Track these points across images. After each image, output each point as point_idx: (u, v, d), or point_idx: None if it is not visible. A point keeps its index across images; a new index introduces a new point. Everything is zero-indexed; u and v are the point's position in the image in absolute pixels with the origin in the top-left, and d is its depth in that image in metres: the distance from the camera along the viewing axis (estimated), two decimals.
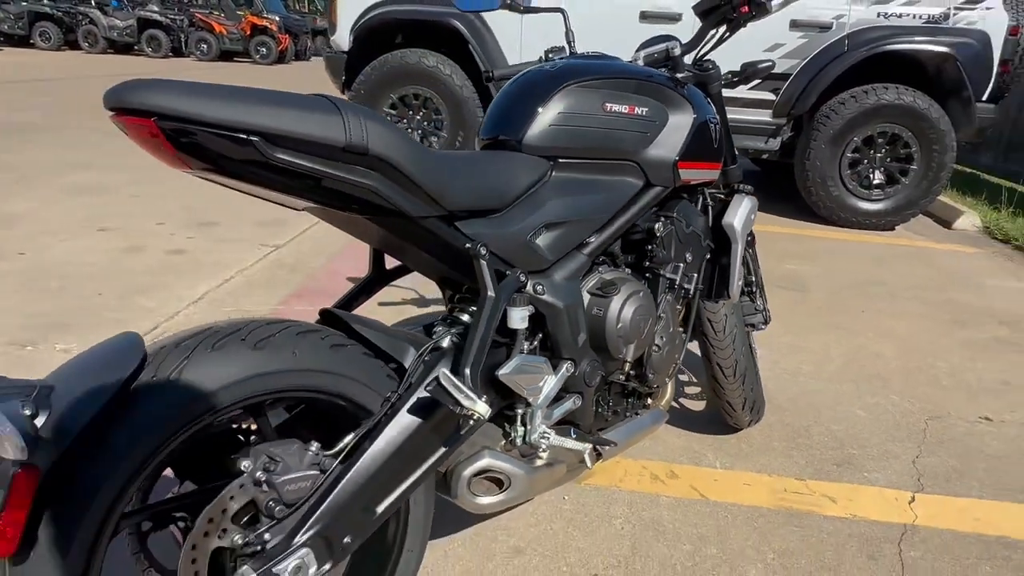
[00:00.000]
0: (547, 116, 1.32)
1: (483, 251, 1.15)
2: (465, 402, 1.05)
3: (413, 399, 1.11)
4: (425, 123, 4.63)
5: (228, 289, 2.86)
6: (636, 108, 1.40)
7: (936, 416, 2.23)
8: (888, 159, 4.38)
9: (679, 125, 1.47)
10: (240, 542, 1.00)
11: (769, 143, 4.53)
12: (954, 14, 4.16)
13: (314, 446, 1.06)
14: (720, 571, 1.52)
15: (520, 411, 1.29)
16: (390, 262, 1.43)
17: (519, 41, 4.49)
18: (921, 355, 2.68)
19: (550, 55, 1.69)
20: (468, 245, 1.15)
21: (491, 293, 1.16)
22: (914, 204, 4.39)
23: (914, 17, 4.19)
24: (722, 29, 1.63)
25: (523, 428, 1.28)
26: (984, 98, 4.27)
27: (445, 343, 1.20)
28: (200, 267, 3.07)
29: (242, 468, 1.01)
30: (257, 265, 3.15)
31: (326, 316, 1.21)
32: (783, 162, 4.72)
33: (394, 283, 1.47)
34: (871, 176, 4.40)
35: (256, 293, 2.84)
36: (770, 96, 4.42)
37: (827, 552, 1.59)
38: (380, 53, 4.53)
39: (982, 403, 2.34)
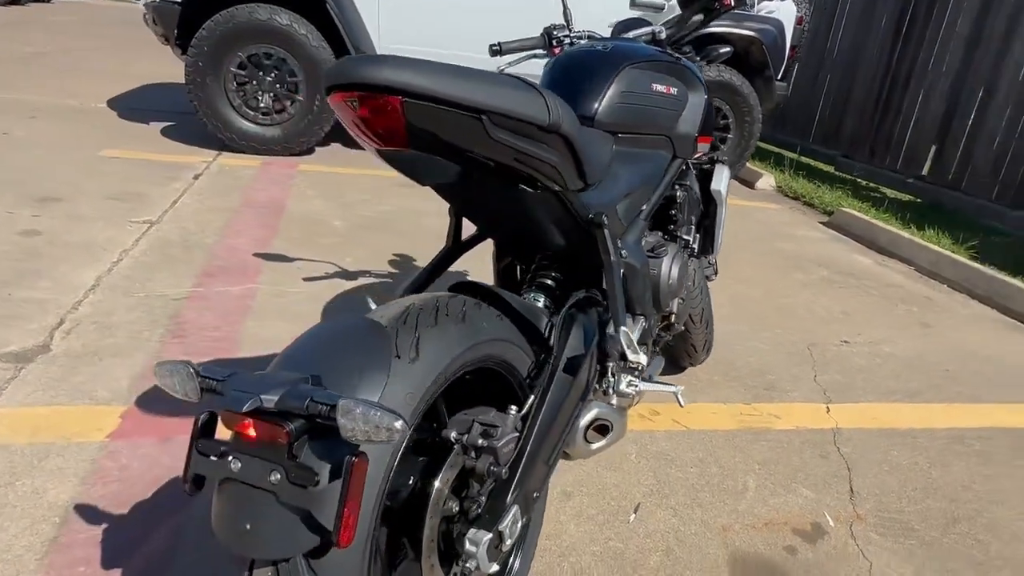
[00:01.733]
0: (614, 95, 1.43)
1: (605, 219, 1.26)
2: (632, 356, 1.17)
3: (569, 357, 1.21)
4: (278, 85, 4.34)
5: (123, 272, 2.54)
6: (671, 88, 1.57)
7: (812, 343, 2.75)
8: None
9: (696, 104, 1.66)
10: (456, 509, 1.03)
11: None
12: (758, 3, 4.86)
13: (513, 409, 1.11)
14: (727, 484, 1.80)
15: (611, 364, 1.42)
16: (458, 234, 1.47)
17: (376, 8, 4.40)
18: (780, 296, 3.23)
19: (554, 32, 1.79)
20: (592, 215, 1.26)
21: (614, 258, 1.28)
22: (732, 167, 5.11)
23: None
24: (699, 17, 1.85)
25: (613, 379, 1.42)
26: (779, 77, 5.06)
27: (575, 307, 1.30)
28: (69, 250, 2.67)
29: (452, 438, 1.03)
30: (141, 244, 2.81)
31: (457, 288, 1.24)
32: None
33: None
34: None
35: (159, 275, 2.56)
36: None
37: (793, 457, 1.95)
38: (216, 6, 4.13)
39: (836, 330, 2.92)
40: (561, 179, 1.13)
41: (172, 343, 2.13)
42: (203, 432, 0.84)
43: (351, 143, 5.19)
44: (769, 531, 1.65)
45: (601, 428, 1.41)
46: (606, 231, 1.26)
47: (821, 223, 4.71)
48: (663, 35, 1.81)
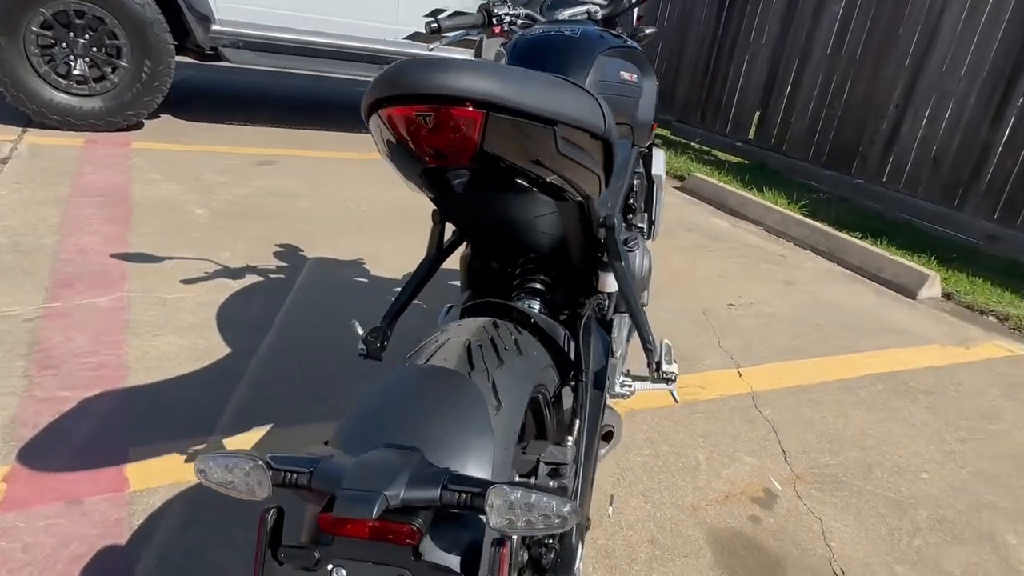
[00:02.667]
0: (592, 85, 1.37)
1: (616, 221, 1.20)
2: (667, 367, 1.14)
3: (595, 371, 1.14)
4: (95, 49, 3.70)
5: None
6: (633, 75, 1.53)
7: (706, 309, 2.91)
8: None
9: (651, 90, 1.64)
10: (526, 558, 0.95)
11: None
12: None
13: (570, 440, 1.03)
14: (681, 462, 1.86)
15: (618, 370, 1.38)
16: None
17: None
18: (664, 262, 3.38)
19: (493, 10, 1.66)
20: (604, 218, 1.19)
21: (623, 261, 1.23)
22: None
23: None
24: None
25: (608, 381, 1.38)
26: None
27: (586, 316, 1.23)
28: None
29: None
30: None
31: (478, 308, 1.12)
32: None
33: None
34: None
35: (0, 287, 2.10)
36: (475, 37, 4.70)
37: (727, 426, 2.06)
38: None
39: (720, 294, 3.12)
40: (596, 188, 1.06)
41: (43, 376, 1.77)
42: (275, 532, 0.68)
43: (184, 114, 4.62)
44: (731, 504, 1.73)
45: (607, 435, 1.38)
46: (616, 233, 1.21)
47: (675, 188, 4.99)
48: (599, 14, 1.76)
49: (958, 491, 1.92)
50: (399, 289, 2.58)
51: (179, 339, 2.04)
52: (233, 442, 1.66)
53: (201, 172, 3.53)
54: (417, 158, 0.88)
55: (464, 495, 0.63)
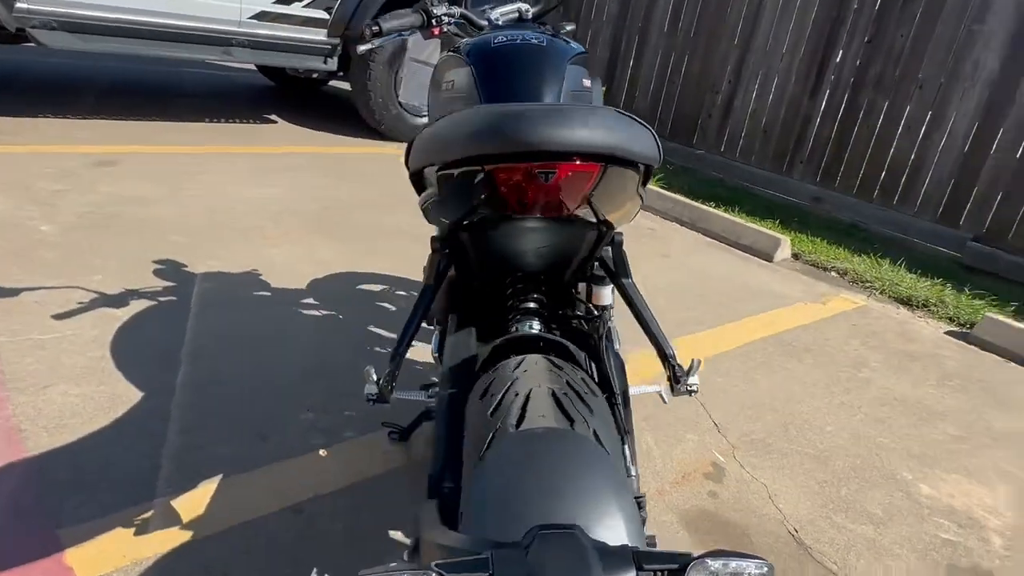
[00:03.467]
0: (566, 96, 1.35)
1: (623, 238, 1.21)
2: (693, 379, 1.17)
3: (622, 391, 1.15)
4: None
5: None
6: (588, 81, 1.53)
7: None
8: None
9: (599, 93, 1.65)
10: None
11: (328, 63, 4.58)
12: None
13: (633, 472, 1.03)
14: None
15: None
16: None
17: None
18: None
19: (432, 10, 1.58)
20: (615, 234, 1.19)
21: (629, 279, 1.24)
22: None
23: None
24: None
25: None
26: None
27: (604, 334, 1.23)
28: None
29: None
30: None
31: (521, 342, 1.07)
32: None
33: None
34: None
35: None
36: (324, 15, 4.42)
37: (662, 406, 2.18)
38: None
39: None
40: (637, 211, 1.06)
41: None
42: None
43: None
44: (689, 483, 1.84)
45: None
46: (623, 249, 1.22)
47: None
48: (530, 13, 1.73)
49: (858, 438, 2.19)
50: (310, 301, 2.42)
51: (76, 388, 1.76)
52: (184, 503, 1.48)
53: (31, 179, 3.03)
54: (498, 208, 0.83)
55: (663, 574, 0.62)
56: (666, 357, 1.24)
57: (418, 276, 2.79)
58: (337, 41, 4.54)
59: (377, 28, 1.49)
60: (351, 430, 1.80)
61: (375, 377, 1.14)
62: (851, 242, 4.28)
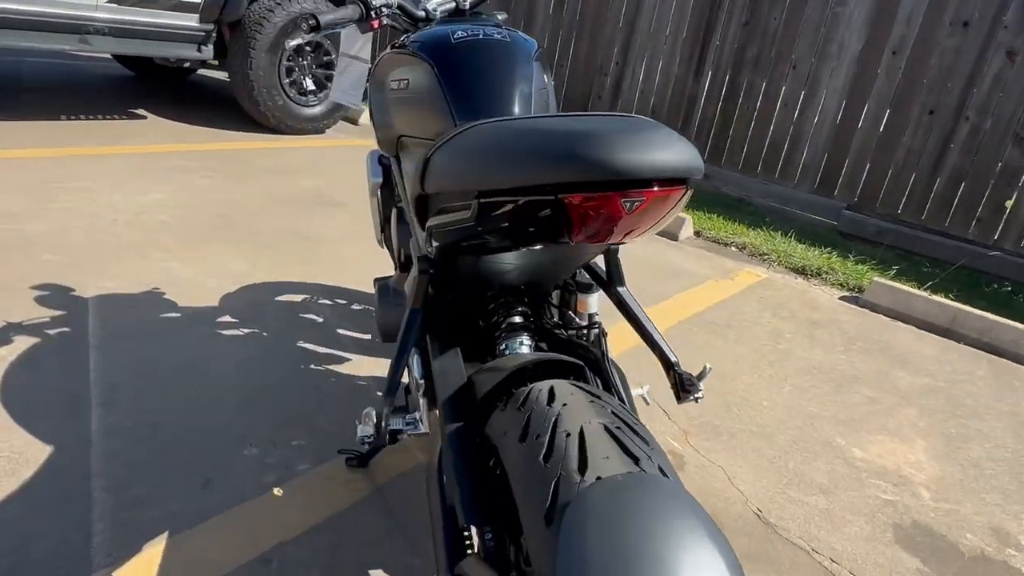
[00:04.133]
0: (535, 95, 1.28)
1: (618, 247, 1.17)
2: (700, 382, 1.16)
3: (630, 400, 1.13)
4: None
5: None
6: (546, 77, 1.46)
7: None
8: (314, 66, 4.69)
9: (551, 88, 1.58)
10: None
11: (203, 51, 4.20)
12: None
13: None
14: None
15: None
16: None
17: None
18: None
19: (372, 2, 1.45)
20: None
21: (624, 284, 1.20)
22: (339, 107, 4.91)
23: None
24: None
25: None
26: None
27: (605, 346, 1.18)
28: None
29: None
30: None
31: (552, 367, 1.00)
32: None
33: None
34: (304, 83, 4.65)
35: None
36: None
37: None
38: None
39: None
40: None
41: None
42: None
43: None
44: None
45: None
46: (618, 255, 1.18)
47: None
48: (467, 3, 1.64)
49: (791, 409, 2.30)
50: (227, 319, 2.21)
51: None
52: (131, 573, 1.29)
53: None
54: (554, 237, 0.75)
55: None
56: (671, 366, 1.22)
57: (343, 282, 2.63)
58: (211, 27, 4.17)
59: (314, 22, 1.35)
60: (304, 461, 1.66)
61: (375, 419, 1.03)
62: (742, 216, 4.51)
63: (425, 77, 1.29)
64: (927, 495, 1.97)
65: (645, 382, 1.58)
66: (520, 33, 1.39)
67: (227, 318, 2.24)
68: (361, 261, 2.84)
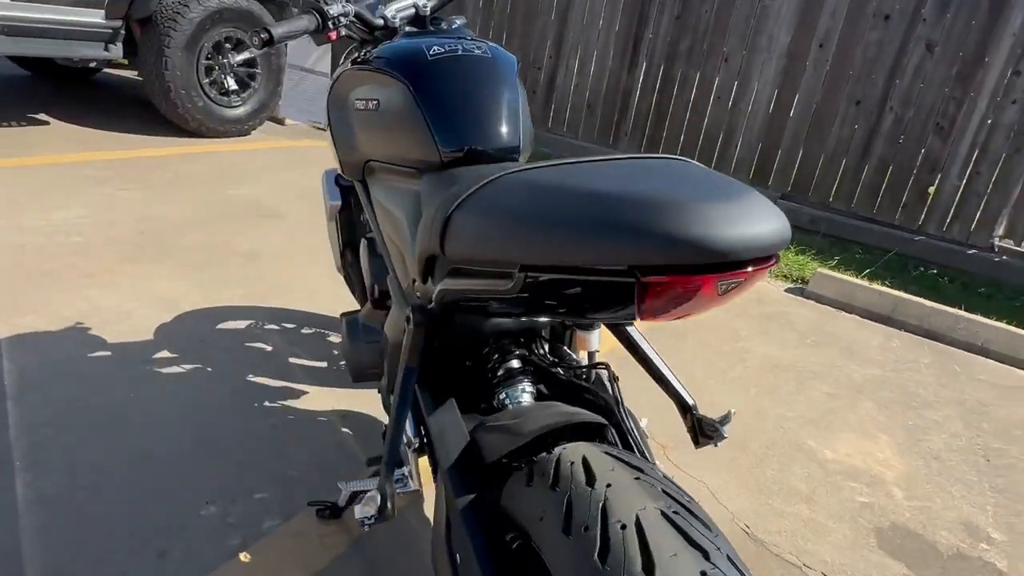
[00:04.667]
0: (523, 115, 1.18)
1: None
2: (722, 427, 1.09)
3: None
4: None
5: None
6: (522, 93, 1.36)
7: None
8: (236, 64, 4.40)
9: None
10: None
11: (111, 49, 3.86)
12: None
13: None
14: None
15: None
16: None
17: None
18: None
19: (327, 10, 1.30)
20: None
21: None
22: (265, 107, 4.63)
23: None
24: None
25: None
26: None
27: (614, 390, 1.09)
28: None
29: None
30: None
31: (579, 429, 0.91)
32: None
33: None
34: (226, 83, 4.36)
35: None
36: None
37: None
38: None
39: None
40: None
41: None
42: None
43: None
44: None
45: None
46: None
47: None
48: (428, 8, 1.52)
49: (759, 413, 2.29)
50: (165, 354, 2.01)
51: None
52: None
53: None
54: (627, 313, 0.66)
55: None
56: (688, 409, 1.15)
57: (289, 303, 2.45)
58: (119, 24, 3.83)
59: (267, 36, 1.20)
60: (270, 517, 1.51)
61: (380, 500, 0.91)
62: None
63: (399, 97, 1.16)
64: (900, 494, 1.99)
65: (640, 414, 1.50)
66: (499, 47, 1.28)
67: (164, 353, 2.03)
68: (307, 278, 2.67)
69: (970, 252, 4.25)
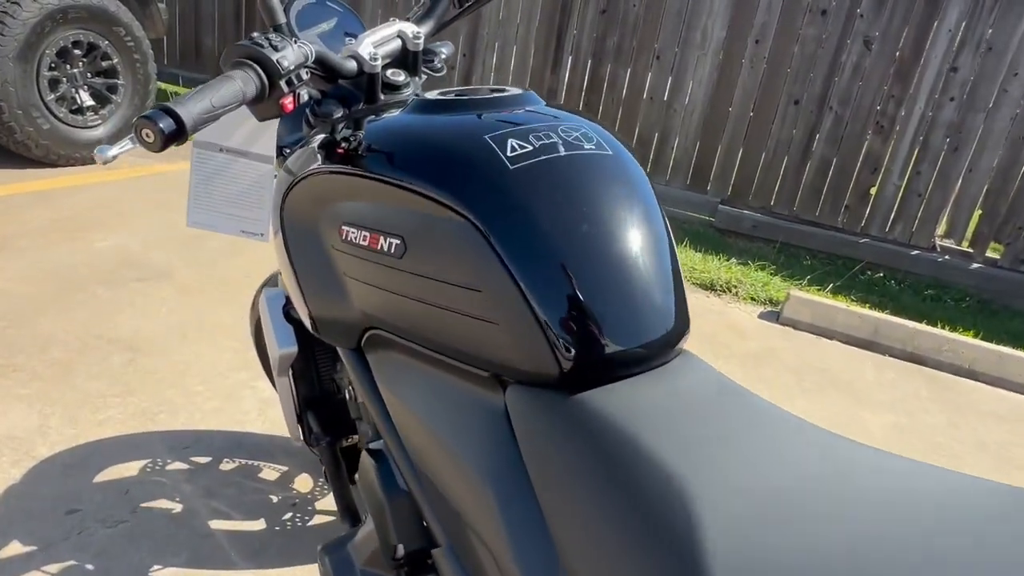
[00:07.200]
0: (672, 262, 0.70)
1: None
2: None
3: None
4: None
5: None
6: None
7: None
8: (89, 74, 3.56)
9: None
10: None
11: None
12: None
13: None
14: None
15: None
16: None
17: None
18: None
19: (281, 60, 0.74)
20: None
21: None
22: (132, 125, 3.80)
23: None
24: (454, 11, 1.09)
25: None
26: None
27: None
28: None
29: None
30: None
31: None
32: None
33: None
34: (78, 98, 3.51)
35: None
36: None
37: None
38: None
39: None
40: None
41: None
42: None
43: None
44: None
45: None
46: None
47: None
48: (420, 38, 1.00)
49: None
50: (21, 544, 1.35)
51: None
52: None
53: None
54: None
55: None
56: None
57: (196, 421, 1.81)
58: None
59: (172, 125, 0.63)
60: None
61: None
62: None
63: (457, 241, 0.63)
64: None
65: None
66: (608, 130, 0.77)
67: (16, 543, 1.38)
68: (216, 374, 2.02)
69: (913, 253, 4.15)
